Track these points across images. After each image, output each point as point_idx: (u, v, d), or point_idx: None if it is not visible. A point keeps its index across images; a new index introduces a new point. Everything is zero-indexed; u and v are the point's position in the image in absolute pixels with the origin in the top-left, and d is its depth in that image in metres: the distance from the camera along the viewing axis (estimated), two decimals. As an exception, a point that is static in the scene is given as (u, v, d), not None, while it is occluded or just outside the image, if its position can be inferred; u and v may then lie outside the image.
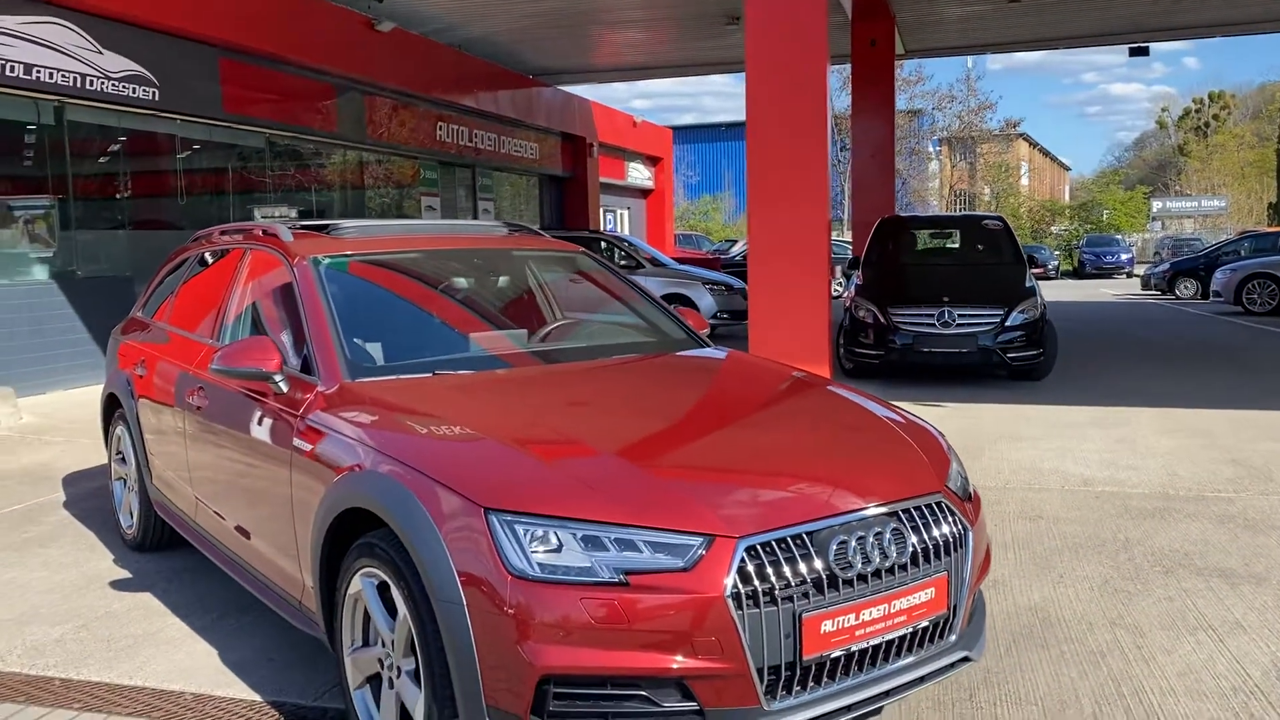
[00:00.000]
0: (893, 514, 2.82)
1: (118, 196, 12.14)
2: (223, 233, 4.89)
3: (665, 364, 4.02)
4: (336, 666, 3.17)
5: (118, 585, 4.69)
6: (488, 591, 2.53)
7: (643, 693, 2.51)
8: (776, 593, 2.55)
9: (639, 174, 28.54)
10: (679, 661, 2.48)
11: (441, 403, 3.31)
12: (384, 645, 2.93)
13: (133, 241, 12.03)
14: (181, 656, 3.87)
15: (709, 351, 4.21)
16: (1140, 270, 31.29)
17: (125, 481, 5.30)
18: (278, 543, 3.54)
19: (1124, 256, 36.53)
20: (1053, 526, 5.30)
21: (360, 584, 2.97)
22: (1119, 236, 41.97)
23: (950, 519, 2.95)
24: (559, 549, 2.54)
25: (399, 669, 2.85)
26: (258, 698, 3.51)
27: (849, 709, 2.70)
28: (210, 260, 4.91)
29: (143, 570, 4.90)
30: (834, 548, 2.65)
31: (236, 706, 3.45)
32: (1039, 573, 4.60)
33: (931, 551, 2.85)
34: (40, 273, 10.94)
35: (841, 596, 2.63)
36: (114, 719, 3.37)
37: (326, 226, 4.32)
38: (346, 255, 4.03)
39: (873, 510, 2.79)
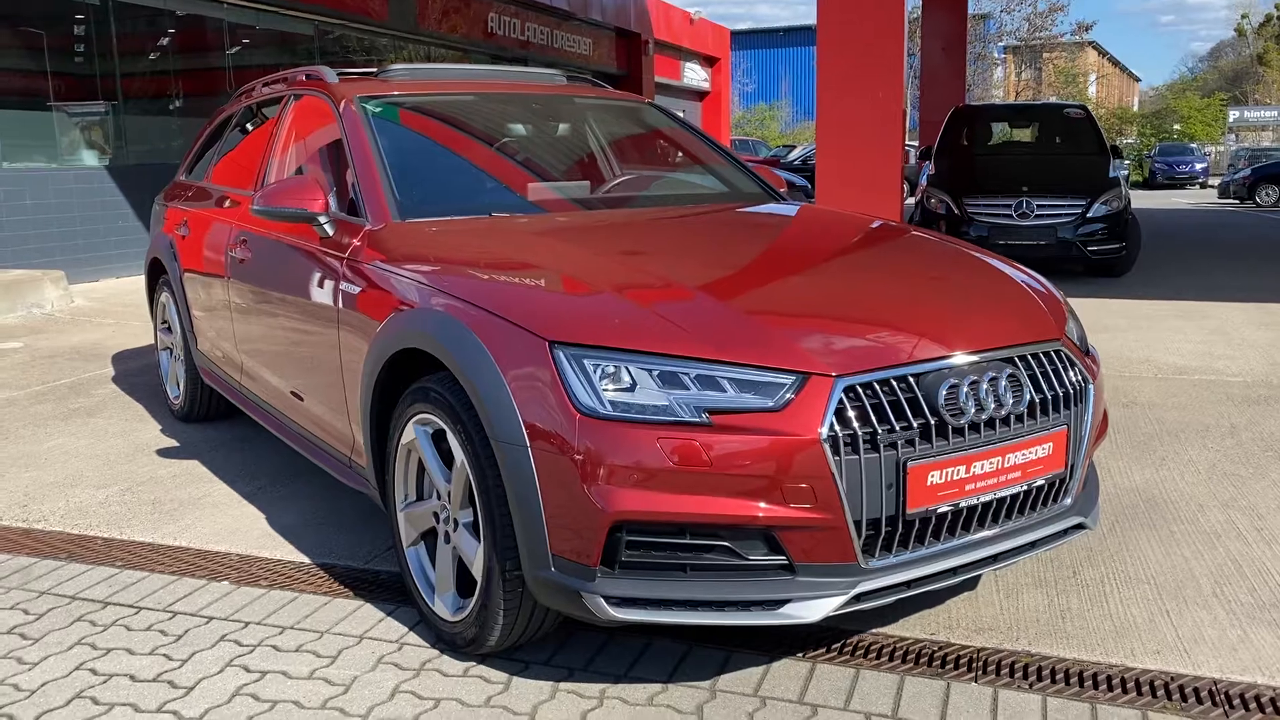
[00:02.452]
0: (1008, 360, 2.50)
1: (168, 84, 11.90)
2: (266, 84, 4.59)
3: (745, 214, 3.68)
4: (389, 525, 2.95)
5: (164, 453, 4.53)
6: (554, 432, 2.27)
7: (725, 543, 2.25)
8: (879, 438, 2.25)
9: (695, 75, 27.73)
10: (766, 509, 2.21)
11: (500, 241, 3.02)
12: (439, 498, 2.70)
13: (184, 129, 11.82)
14: (228, 520, 3.69)
15: (789, 205, 3.86)
16: (1215, 181, 30.02)
17: (171, 351, 5.13)
18: (325, 397, 3.31)
19: (1198, 166, 35.09)
20: (1148, 412, 4.94)
21: (414, 433, 2.72)
22: (1193, 145, 40.29)
23: (1071, 370, 2.62)
24: (632, 387, 2.26)
25: (456, 522, 2.62)
26: (306, 559, 3.32)
27: (953, 572, 2.42)
28: (254, 114, 4.62)
29: (190, 439, 4.73)
30: (944, 393, 2.34)
31: (284, 568, 3.26)
32: (1139, 456, 4.26)
33: (1050, 403, 2.53)
34: (91, 159, 10.78)
35: (951, 446, 2.33)
36: (156, 576, 3.20)
37: (375, 71, 4.01)
38: (395, 96, 3.72)
39: (987, 354, 2.46)
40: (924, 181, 10.10)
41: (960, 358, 2.41)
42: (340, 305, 3.10)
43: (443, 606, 2.68)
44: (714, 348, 2.29)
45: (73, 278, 9.38)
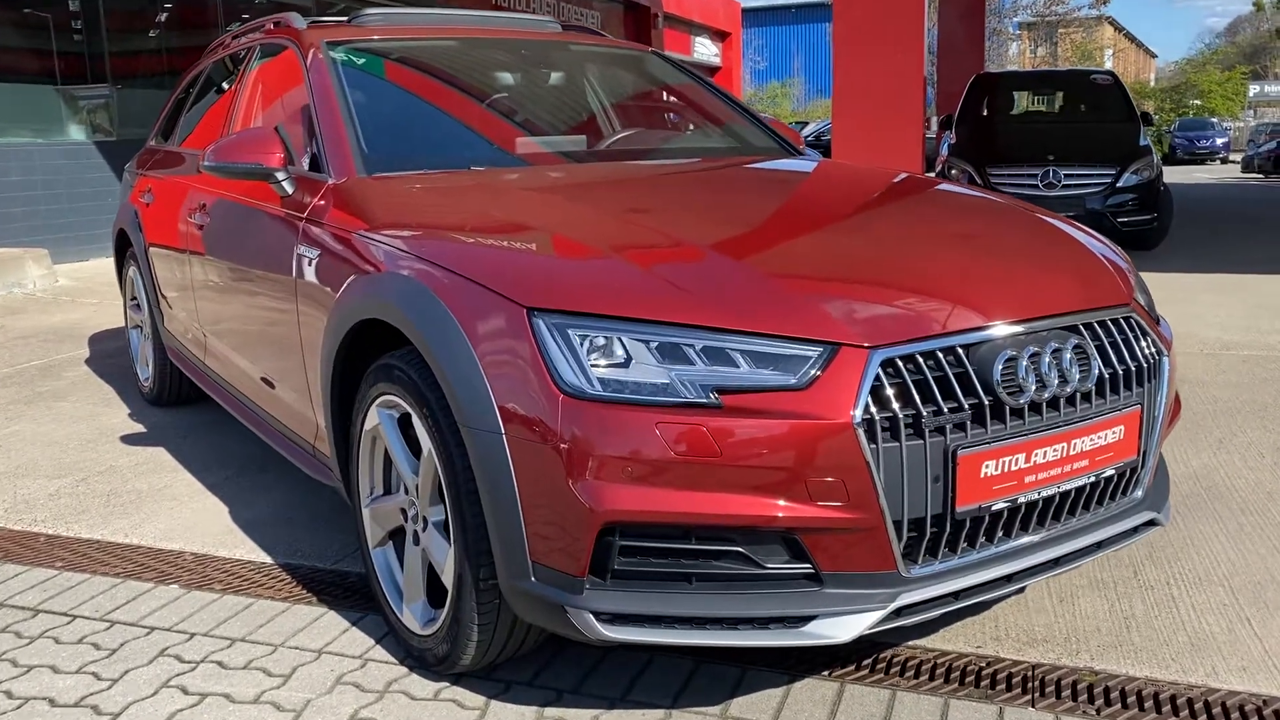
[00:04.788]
0: (1072, 328, 2.11)
1: (161, 60, 11.51)
2: (235, 36, 4.21)
3: (760, 169, 3.28)
4: (355, 521, 2.58)
5: (129, 440, 4.17)
6: (534, 416, 1.89)
7: (738, 548, 1.87)
8: (924, 422, 1.87)
9: (705, 50, 27.20)
10: (788, 508, 1.83)
11: (478, 198, 2.64)
12: (407, 492, 2.33)
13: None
14: (187, 514, 3.33)
15: (808, 160, 3.46)
16: (1236, 157, 29.38)
17: (141, 329, 4.77)
18: (294, 382, 2.94)
19: (1219, 141, 34.39)
20: (1199, 390, 4.53)
21: (377, 417, 2.36)
22: (1214, 120, 39.52)
23: (1143, 340, 2.23)
24: (626, 362, 1.88)
25: (425, 520, 2.25)
26: (268, 559, 2.96)
27: (1008, 579, 2.04)
28: (225, 69, 4.24)
29: (159, 424, 4.38)
30: (999, 367, 1.95)
31: (242, 569, 2.91)
32: (1194, 438, 3.87)
33: (1121, 379, 2.14)
34: (80, 134, 10.42)
35: (1008, 430, 1.95)
36: (97, 579, 2.84)
37: (348, 16, 3.62)
38: (367, 42, 3.33)
39: (1048, 321, 2.08)
40: (944, 152, 9.65)
41: (1017, 325, 2.03)
42: (298, 273, 2.73)
43: (412, 617, 2.32)
44: (724, 314, 1.91)
45: (59, 256, 9.03)
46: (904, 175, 3.16)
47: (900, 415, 1.85)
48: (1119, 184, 8.65)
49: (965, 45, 15.14)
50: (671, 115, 3.92)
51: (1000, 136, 9.65)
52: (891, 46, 7.27)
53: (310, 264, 2.68)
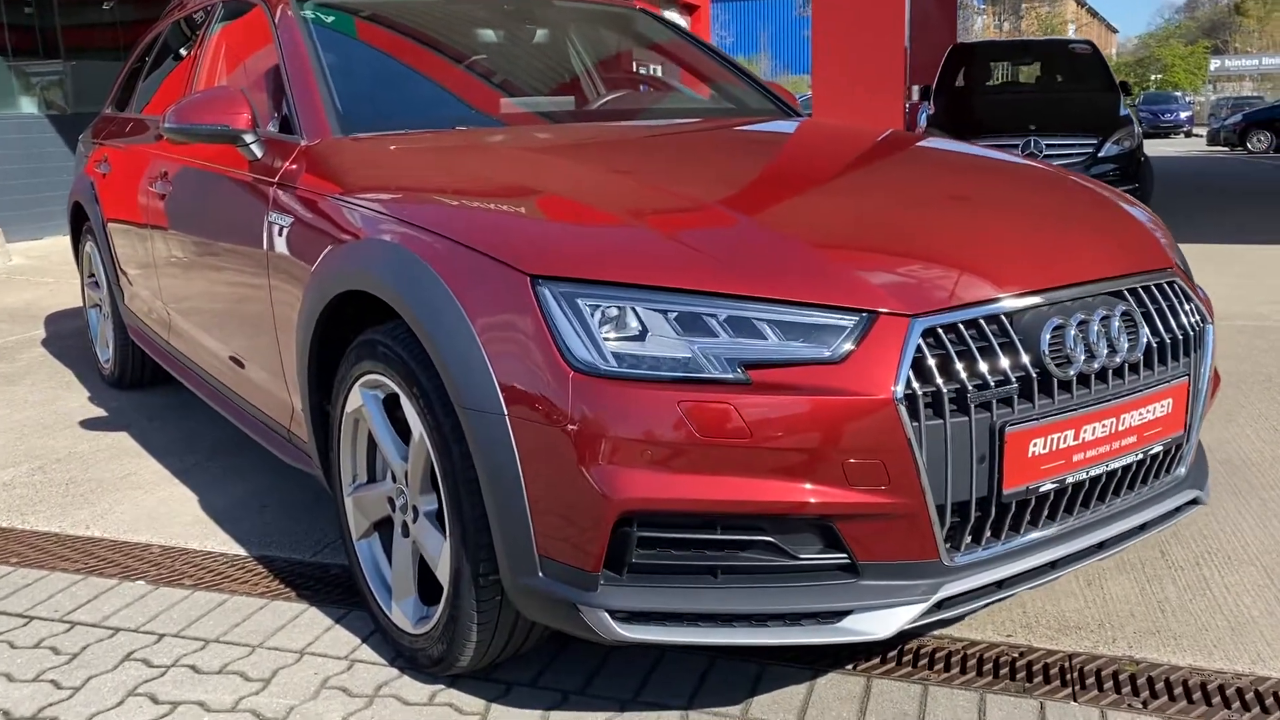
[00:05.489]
0: (1118, 293, 1.96)
1: (116, 32, 11.11)
2: (194, -6, 3.96)
3: (765, 130, 3.10)
4: (336, 511, 2.39)
5: (89, 424, 3.94)
6: (540, 395, 1.71)
7: (767, 538, 1.70)
8: (969, 397, 1.70)
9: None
10: (823, 492, 1.66)
11: (467, 158, 2.44)
12: (395, 479, 2.14)
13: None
14: (153, 503, 3.12)
15: (813, 121, 3.28)
16: (1200, 130, 29.55)
17: (100, 308, 4.52)
18: (265, 361, 2.74)
19: (1183, 115, 34.58)
20: (1200, 361, 4.42)
21: (360, 398, 2.16)
22: (1178, 94, 39.76)
23: (1188, 305, 2.08)
24: (642, 334, 1.70)
25: (416, 510, 2.07)
26: (243, 551, 2.77)
27: (1052, 566, 1.89)
28: (181, 33, 3.99)
29: (121, 408, 4.15)
30: (1047, 336, 1.79)
31: (214, 562, 2.71)
32: (1202, 410, 3.75)
33: (1169, 349, 1.99)
34: (31, 106, 10.03)
35: (1056, 405, 1.79)
36: (57, 576, 2.63)
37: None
38: (340, -3, 3.10)
39: (1094, 286, 1.92)
40: (923, 123, 9.50)
41: (1063, 291, 1.87)
42: (269, 243, 2.52)
43: (402, 615, 2.13)
44: (749, 281, 1.73)
45: (13, 234, 8.71)
46: (923, 139, 2.99)
47: (945, 389, 1.68)
48: (1100, 154, 8.54)
49: (938, 17, 14.97)
50: (663, 75, 3.72)
51: (980, 107, 9.52)
52: (872, 13, 7.12)
53: (283, 233, 2.47)
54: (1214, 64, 50.65)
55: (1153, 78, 46.24)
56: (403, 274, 1.96)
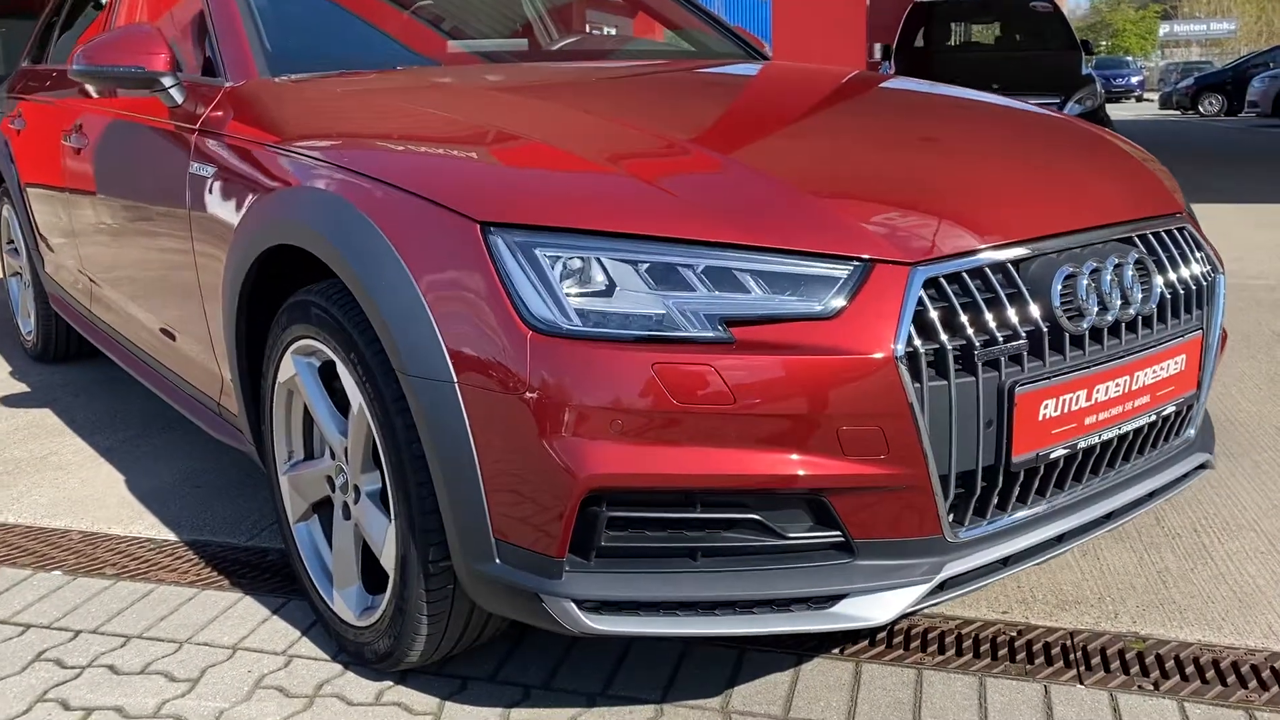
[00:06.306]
0: (1129, 240, 1.79)
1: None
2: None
3: (735, 72, 2.88)
4: (270, 491, 2.17)
5: (8, 401, 3.67)
6: (494, 359, 1.51)
7: (753, 515, 1.52)
8: (976, 354, 1.52)
9: (626, -13, 26.48)
10: (815, 463, 1.48)
11: (411, 100, 2.20)
12: (334, 456, 1.93)
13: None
14: (75, 484, 2.88)
15: (788, 64, 3.08)
16: (1150, 95, 29.75)
17: (21, 276, 4.22)
18: (186, 325, 2.50)
19: (1134, 80, 34.77)
20: (1176, 320, 4.31)
21: (293, 366, 1.94)
22: (1129, 59, 40.02)
23: (1200, 254, 1.92)
24: (610, 289, 1.50)
25: (357, 490, 1.85)
26: (172, 536, 2.54)
27: (1059, 541, 1.72)
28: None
29: (44, 384, 3.87)
30: (1058, 286, 1.61)
31: (139, 549, 2.48)
32: (1184, 370, 3.63)
33: (1182, 300, 1.83)
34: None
35: (1068, 363, 1.61)
36: (-38, 568, 2.39)
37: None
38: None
39: (1104, 231, 1.75)
40: (884, 82, 9.33)
41: (1072, 237, 1.69)
42: (192, 199, 2.28)
43: (344, 606, 1.93)
44: (729, 227, 1.53)
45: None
46: (910, 82, 2.81)
47: (949, 346, 1.50)
48: (1064, 113, 8.44)
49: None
50: (622, 15, 3.50)
51: (941, 66, 9.37)
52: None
53: (206, 186, 2.22)
54: (1163, 29, 51.04)
55: (1103, 43, 46.48)
56: (336, 225, 1.73)
